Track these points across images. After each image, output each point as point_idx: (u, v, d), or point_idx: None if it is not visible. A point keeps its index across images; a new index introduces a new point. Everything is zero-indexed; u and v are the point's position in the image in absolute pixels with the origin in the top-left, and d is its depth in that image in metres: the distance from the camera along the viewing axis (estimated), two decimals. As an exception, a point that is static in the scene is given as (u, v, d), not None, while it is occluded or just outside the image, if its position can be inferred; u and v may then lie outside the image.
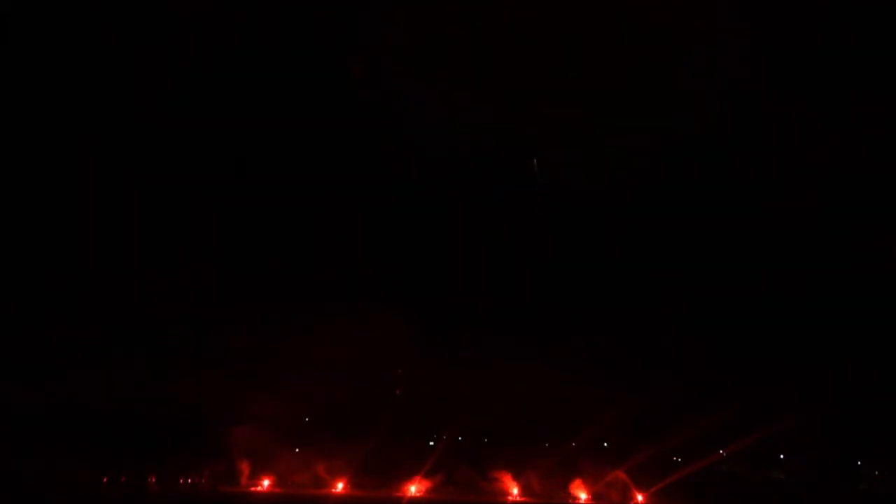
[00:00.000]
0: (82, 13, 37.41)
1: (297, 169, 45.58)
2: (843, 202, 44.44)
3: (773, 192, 45.44)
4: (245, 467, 51.51)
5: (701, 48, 36.39)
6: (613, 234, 48.88)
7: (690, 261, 48.06)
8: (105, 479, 45.01)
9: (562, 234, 47.62)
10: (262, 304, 50.51)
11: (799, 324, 49.11)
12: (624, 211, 47.55)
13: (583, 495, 51.02)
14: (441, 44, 38.18)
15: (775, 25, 37.20)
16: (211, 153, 43.66)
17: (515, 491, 51.97)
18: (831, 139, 41.05)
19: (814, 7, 36.31)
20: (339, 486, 51.88)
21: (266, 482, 51.85)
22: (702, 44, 36.14)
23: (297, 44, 39.83)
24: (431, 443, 55.15)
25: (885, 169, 42.46)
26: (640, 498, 50.27)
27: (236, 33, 38.70)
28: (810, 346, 49.38)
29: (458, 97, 40.73)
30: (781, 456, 54.94)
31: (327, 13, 39.24)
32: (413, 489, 51.33)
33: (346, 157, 46.08)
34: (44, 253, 43.56)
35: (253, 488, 51.20)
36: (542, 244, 48.34)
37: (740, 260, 48.12)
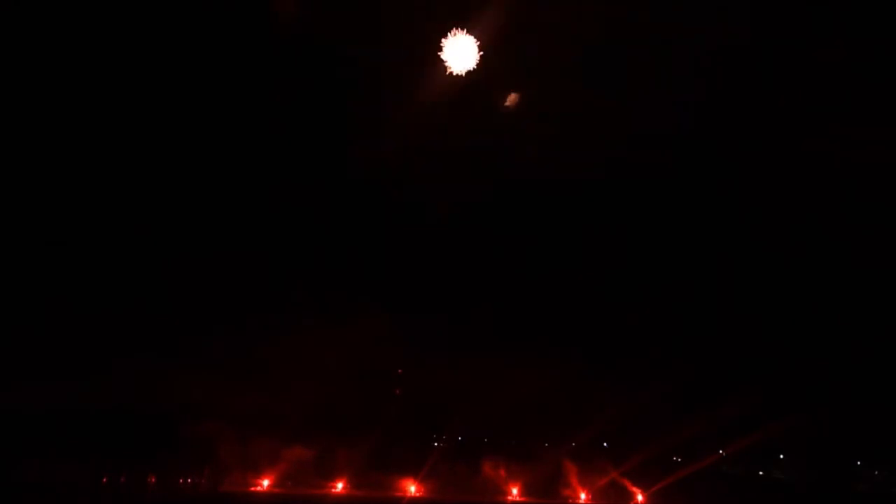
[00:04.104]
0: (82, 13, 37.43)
1: (290, 167, 45.56)
2: (842, 200, 44.35)
3: (772, 189, 45.38)
4: (245, 467, 51.57)
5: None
6: (613, 232, 48.81)
7: (690, 260, 47.99)
8: (105, 479, 45.03)
9: (561, 233, 47.53)
10: (261, 305, 50.55)
11: (799, 323, 49.07)
12: (624, 209, 47.47)
13: (582, 495, 51.05)
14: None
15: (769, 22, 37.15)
16: (199, 152, 43.60)
17: (515, 491, 51.98)
18: (830, 137, 40.94)
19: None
20: (339, 485, 51.95)
21: (266, 482, 51.90)
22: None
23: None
24: (432, 443, 55.25)
25: (886, 167, 42.35)
26: (639, 498, 50.28)
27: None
28: (810, 346, 49.36)
29: (457, 95, 40.69)
30: (781, 456, 54.98)
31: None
32: (413, 489, 51.38)
33: (341, 156, 46.07)
34: (42, 254, 43.61)
35: (253, 488, 51.26)
36: (541, 243, 48.29)
37: (740, 259, 48.08)
